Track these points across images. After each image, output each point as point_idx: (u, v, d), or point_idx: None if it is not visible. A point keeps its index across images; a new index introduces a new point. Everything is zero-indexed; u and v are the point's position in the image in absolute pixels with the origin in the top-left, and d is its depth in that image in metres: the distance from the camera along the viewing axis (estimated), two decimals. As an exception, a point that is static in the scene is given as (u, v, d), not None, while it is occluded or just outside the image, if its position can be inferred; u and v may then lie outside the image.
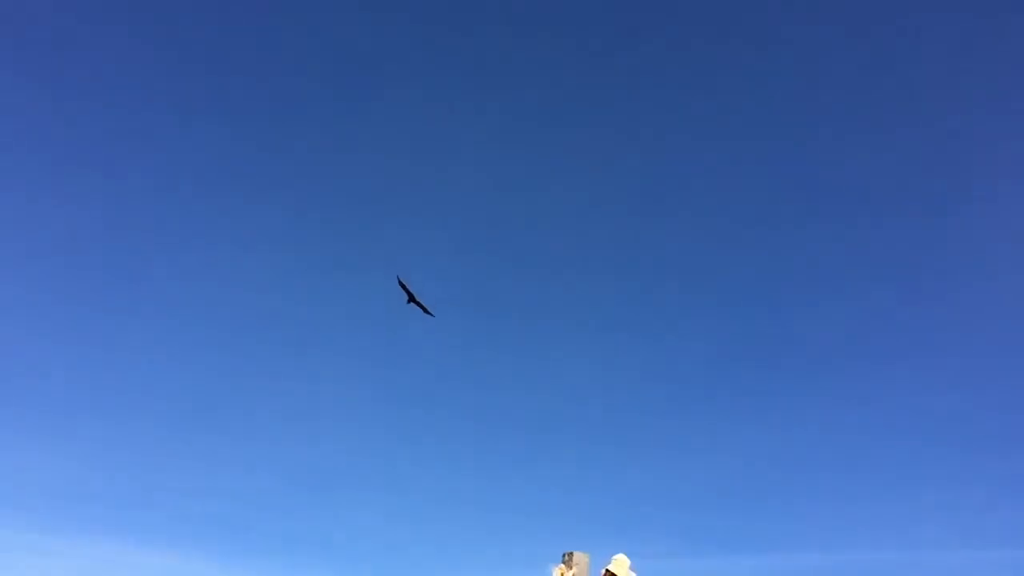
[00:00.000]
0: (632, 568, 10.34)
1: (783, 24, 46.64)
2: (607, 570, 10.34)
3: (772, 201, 46.91)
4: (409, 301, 17.85)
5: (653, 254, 48.18)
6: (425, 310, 17.65)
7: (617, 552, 10.44)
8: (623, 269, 48.06)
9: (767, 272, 46.11)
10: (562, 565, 10.88)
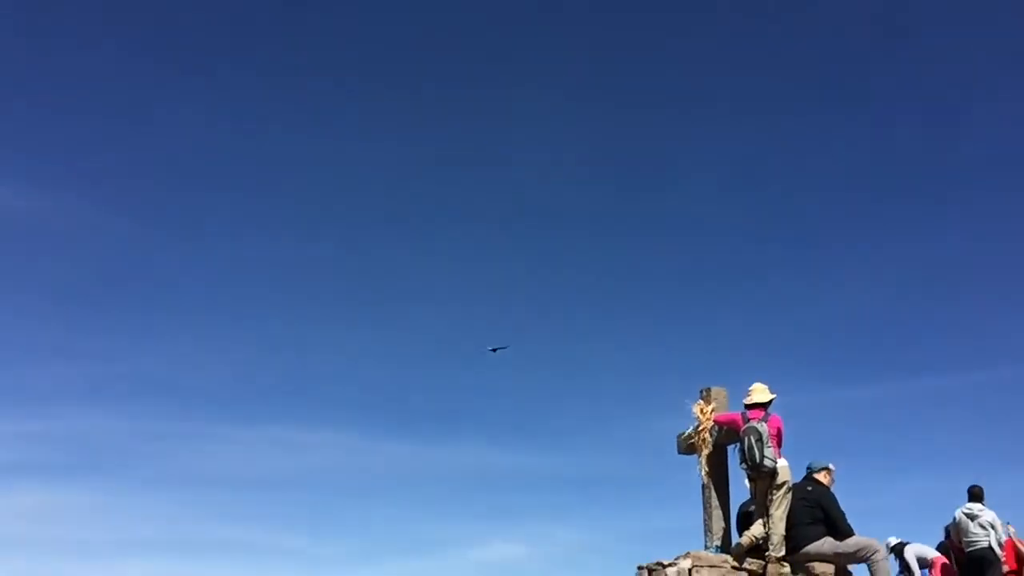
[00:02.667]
0: (772, 392, 10.50)
1: None
2: (745, 403, 10.53)
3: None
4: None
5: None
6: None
7: (754, 383, 10.65)
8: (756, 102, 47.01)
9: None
10: (700, 401, 11.12)
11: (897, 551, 13.22)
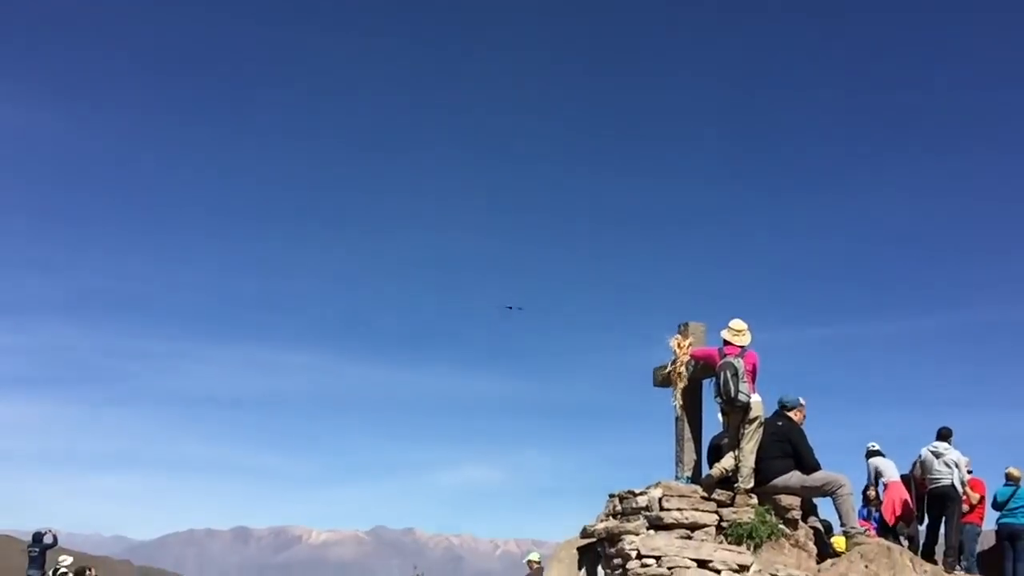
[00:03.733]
0: (749, 330, 10.59)
1: None
2: (724, 338, 10.65)
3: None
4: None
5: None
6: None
7: (732, 320, 10.71)
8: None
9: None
10: (678, 335, 11.27)
11: (868, 454, 13.76)
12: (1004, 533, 13.05)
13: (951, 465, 12.68)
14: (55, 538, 20.61)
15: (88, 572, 21.05)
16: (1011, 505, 13.07)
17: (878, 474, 13.63)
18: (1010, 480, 13.26)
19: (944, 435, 13.08)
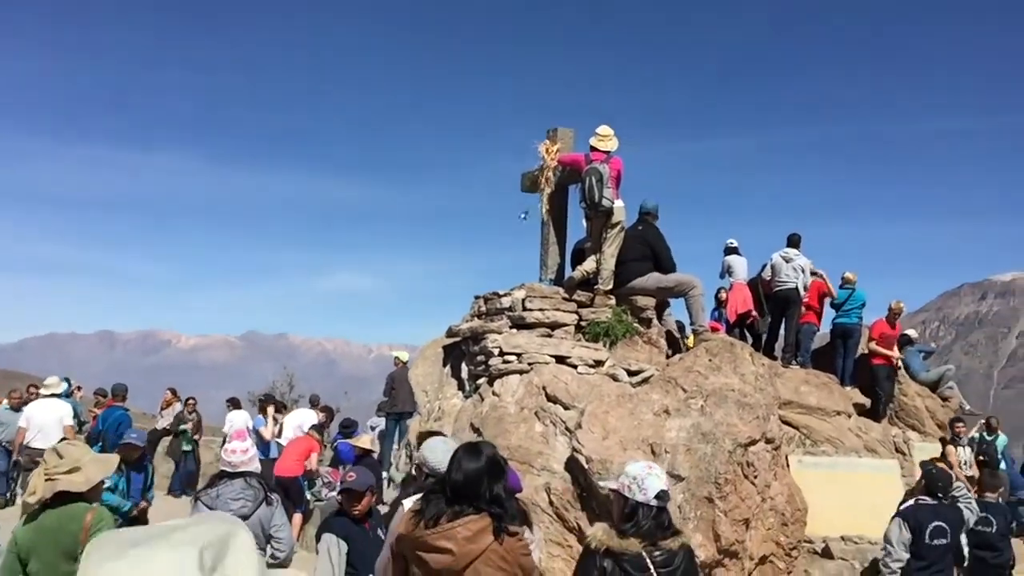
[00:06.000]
0: (616, 136, 10.57)
1: None
2: (591, 145, 10.67)
3: None
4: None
5: None
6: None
7: (600, 126, 10.66)
8: None
9: None
10: (547, 141, 11.25)
11: (726, 250, 14.59)
12: (838, 331, 14.11)
13: (798, 270, 13.50)
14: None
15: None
16: (846, 307, 14.08)
17: (729, 270, 14.45)
18: (846, 284, 14.22)
19: (794, 241, 13.85)
